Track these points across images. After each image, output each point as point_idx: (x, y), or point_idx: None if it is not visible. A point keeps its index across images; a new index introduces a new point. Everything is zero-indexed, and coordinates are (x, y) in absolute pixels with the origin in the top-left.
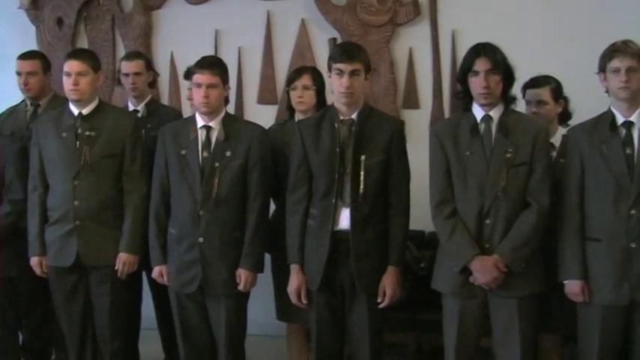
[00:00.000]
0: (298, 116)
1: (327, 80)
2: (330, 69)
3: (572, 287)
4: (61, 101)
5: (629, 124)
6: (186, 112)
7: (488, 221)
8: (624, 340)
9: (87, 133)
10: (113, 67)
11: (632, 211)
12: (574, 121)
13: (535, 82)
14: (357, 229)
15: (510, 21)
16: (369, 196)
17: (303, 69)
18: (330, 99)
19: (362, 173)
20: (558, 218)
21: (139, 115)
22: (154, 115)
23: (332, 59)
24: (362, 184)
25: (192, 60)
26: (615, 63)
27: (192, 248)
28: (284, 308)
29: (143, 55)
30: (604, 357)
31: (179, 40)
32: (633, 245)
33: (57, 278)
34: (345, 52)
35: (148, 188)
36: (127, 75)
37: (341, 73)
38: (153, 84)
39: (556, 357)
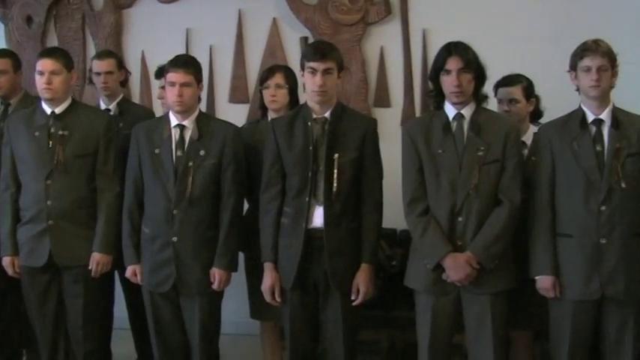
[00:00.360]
0: (271, 115)
1: (299, 79)
2: (302, 68)
3: (544, 283)
4: (31, 100)
5: (599, 122)
6: (157, 111)
7: (460, 219)
8: (594, 334)
9: (60, 132)
10: (84, 65)
11: (603, 207)
12: (545, 120)
13: (507, 81)
14: (330, 227)
15: (481, 20)
16: (342, 194)
17: (276, 68)
18: (302, 98)
19: (335, 171)
20: (530, 215)
21: (111, 114)
22: (125, 114)
23: (305, 58)
24: (335, 182)
25: (163, 59)
26: (586, 62)
27: (165, 247)
28: (258, 307)
29: (114, 53)
30: (575, 351)
31: (150, 38)
32: (603, 241)
33: (29, 278)
34: (318, 50)
35: (122, 187)
36: (98, 74)
37: (314, 71)
38: (124, 83)
39: (527, 353)
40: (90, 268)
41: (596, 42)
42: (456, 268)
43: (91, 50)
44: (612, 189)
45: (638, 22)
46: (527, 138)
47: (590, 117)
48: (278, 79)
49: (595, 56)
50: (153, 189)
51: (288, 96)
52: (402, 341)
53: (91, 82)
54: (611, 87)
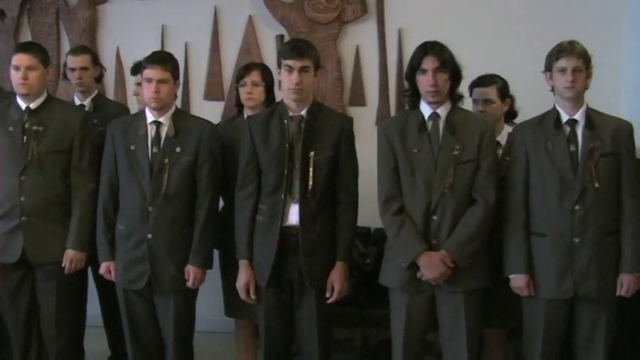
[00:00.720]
0: (247, 112)
1: (276, 77)
2: (279, 65)
3: (518, 281)
4: (5, 95)
5: (573, 122)
6: (132, 108)
7: (435, 217)
8: (567, 332)
9: (34, 127)
10: (58, 61)
11: (576, 207)
12: (519, 120)
13: (482, 81)
14: (305, 225)
15: (457, 20)
16: (318, 192)
17: (253, 65)
18: (279, 95)
19: (311, 169)
20: (504, 214)
21: (86, 110)
22: (100, 111)
23: (282, 56)
24: (311, 180)
25: (138, 55)
26: (562, 63)
27: (140, 244)
28: (232, 304)
29: (90, 49)
30: (548, 349)
31: (125, 35)
32: (577, 240)
33: (2, 275)
34: (295, 48)
35: (96, 184)
36: (73, 70)
37: (291, 69)
38: (99, 79)
39: (500, 351)
40: (63, 265)
41: (572, 43)
42: (431, 266)
43: (65, 46)
44: (586, 189)
45: (610, 23)
46: (502, 138)
47: (565, 117)
48: (254, 76)
49: (571, 57)
50: (128, 186)
51: (264, 94)
52: (376, 339)
53: (65, 77)
54: (586, 88)
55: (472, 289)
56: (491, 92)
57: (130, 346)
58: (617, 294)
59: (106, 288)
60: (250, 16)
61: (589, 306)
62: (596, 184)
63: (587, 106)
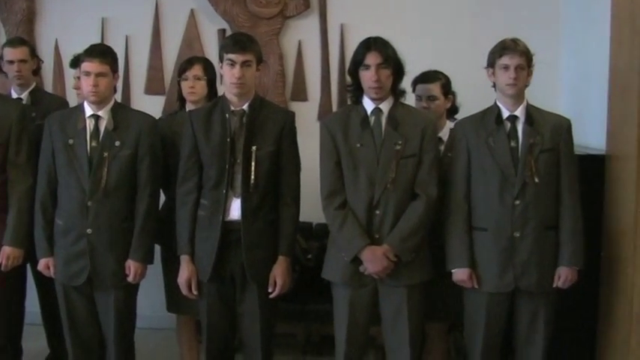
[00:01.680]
0: (189, 107)
1: (218, 71)
2: (221, 59)
3: (460, 275)
4: None
5: (513, 118)
6: (72, 101)
7: (378, 212)
8: (508, 324)
9: None
10: None
11: (517, 202)
12: (460, 116)
13: (426, 78)
14: (247, 220)
15: (399, 16)
16: (260, 186)
17: (195, 59)
18: (221, 90)
19: (253, 164)
20: (446, 209)
21: (23, 103)
22: (38, 104)
23: (224, 50)
24: (253, 174)
25: (78, 48)
26: (505, 60)
27: (80, 239)
28: (174, 300)
29: (27, 41)
30: (489, 341)
31: (64, 26)
32: (517, 234)
33: None
34: (237, 42)
35: (34, 179)
36: (11, 62)
37: (233, 63)
38: (37, 71)
39: (441, 345)
40: (0, 262)
41: (515, 41)
42: (374, 260)
43: (2, 37)
44: (526, 184)
45: (549, 23)
46: (444, 134)
47: (505, 113)
48: (196, 70)
49: (514, 55)
50: (67, 180)
51: (206, 88)
52: (319, 334)
53: (1, 70)
54: (526, 85)
55: (414, 283)
56: (435, 89)
57: (69, 343)
58: (554, 286)
59: (45, 284)
60: (192, 10)
61: (529, 299)
62: (536, 179)
63: (528, 103)
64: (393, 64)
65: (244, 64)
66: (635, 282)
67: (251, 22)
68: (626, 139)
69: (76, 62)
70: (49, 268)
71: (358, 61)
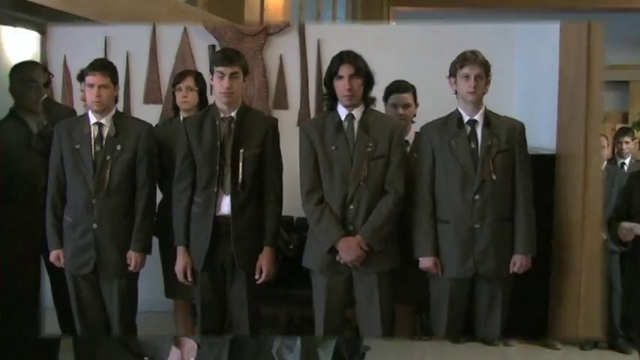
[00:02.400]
0: (183, 114)
1: (208, 82)
2: (211, 72)
3: (426, 263)
4: None
5: (473, 122)
6: (80, 111)
7: (351, 207)
8: (469, 306)
9: None
10: None
11: (476, 197)
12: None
13: (400, 88)
14: (236, 214)
15: (369, 33)
16: (247, 185)
17: (187, 72)
18: (211, 99)
19: (241, 165)
20: (412, 204)
21: None
22: (49, 113)
23: (214, 63)
24: (240, 174)
25: (84, 63)
26: (466, 70)
27: (86, 233)
28: (171, 286)
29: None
30: (452, 321)
31: (72, 44)
32: (477, 226)
33: None
34: (225, 56)
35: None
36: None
37: (222, 75)
38: (47, 84)
39: (408, 324)
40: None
41: (474, 53)
42: (348, 250)
43: None
44: (484, 181)
45: (504, 35)
46: (410, 137)
47: (466, 118)
48: (189, 82)
49: (473, 66)
50: (74, 181)
51: (198, 97)
52: (299, 316)
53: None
54: (485, 92)
55: (385, 270)
56: (409, 97)
57: (78, 324)
58: (510, 272)
59: (56, 273)
60: (185, 28)
61: (487, 283)
62: (494, 177)
63: (486, 108)
64: (364, 74)
65: (232, 75)
66: (582, 266)
67: (237, 38)
68: (574, 140)
69: (82, 76)
70: (59, 259)
71: (333, 72)
